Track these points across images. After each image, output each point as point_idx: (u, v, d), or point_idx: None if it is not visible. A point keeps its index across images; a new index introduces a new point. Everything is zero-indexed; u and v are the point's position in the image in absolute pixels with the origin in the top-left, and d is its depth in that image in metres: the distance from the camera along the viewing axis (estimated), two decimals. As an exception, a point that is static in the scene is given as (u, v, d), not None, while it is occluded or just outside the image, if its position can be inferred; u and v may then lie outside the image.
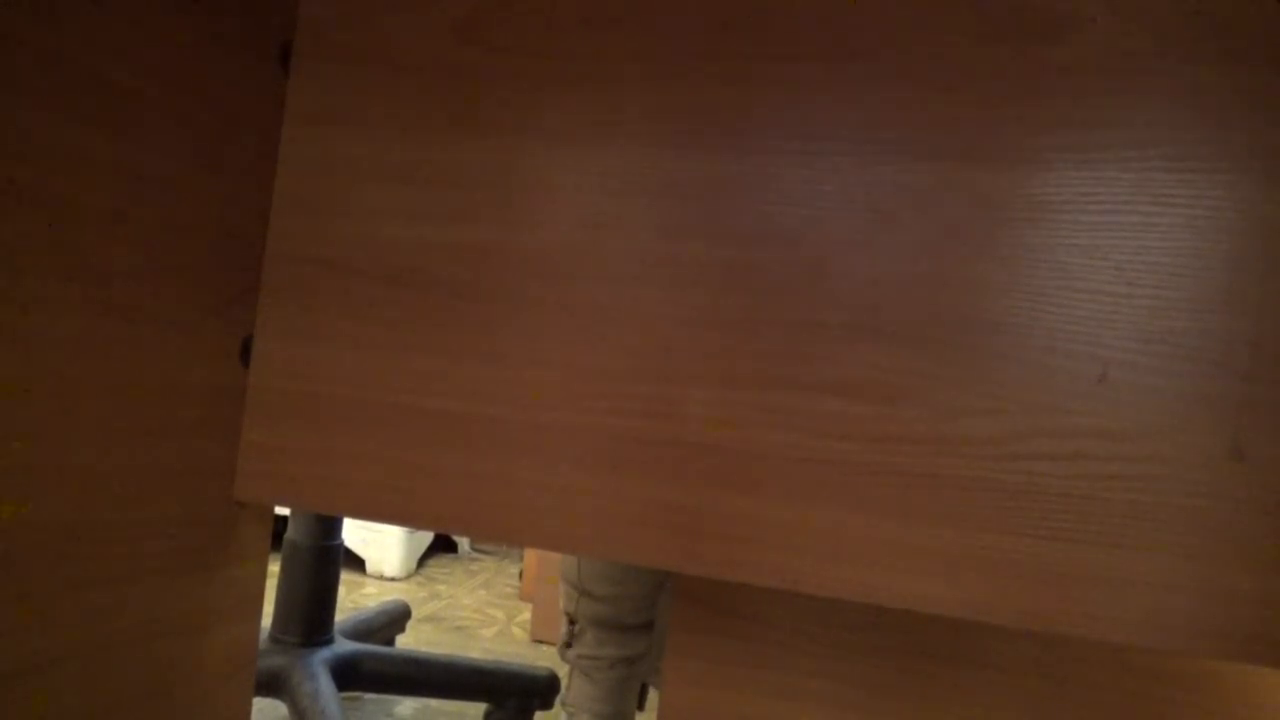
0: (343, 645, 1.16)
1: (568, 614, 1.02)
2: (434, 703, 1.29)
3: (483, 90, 0.51)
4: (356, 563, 2.08)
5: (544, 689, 1.18)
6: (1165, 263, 0.42)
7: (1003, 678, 0.55)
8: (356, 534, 2.06)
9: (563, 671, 1.09)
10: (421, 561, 2.26)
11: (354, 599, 1.86)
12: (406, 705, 1.28)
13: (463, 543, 2.50)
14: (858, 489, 0.45)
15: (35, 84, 0.40)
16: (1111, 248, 0.43)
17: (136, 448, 0.47)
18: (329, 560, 1.18)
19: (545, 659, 1.54)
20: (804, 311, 0.47)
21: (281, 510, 1.31)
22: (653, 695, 1.13)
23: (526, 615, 1.86)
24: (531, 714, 1.19)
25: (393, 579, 2.07)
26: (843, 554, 0.46)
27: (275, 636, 1.13)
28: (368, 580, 2.05)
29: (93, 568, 0.45)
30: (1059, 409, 0.43)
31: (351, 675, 1.13)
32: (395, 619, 1.45)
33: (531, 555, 1.96)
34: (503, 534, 0.50)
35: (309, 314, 0.53)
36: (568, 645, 1.02)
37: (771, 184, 0.47)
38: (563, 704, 1.04)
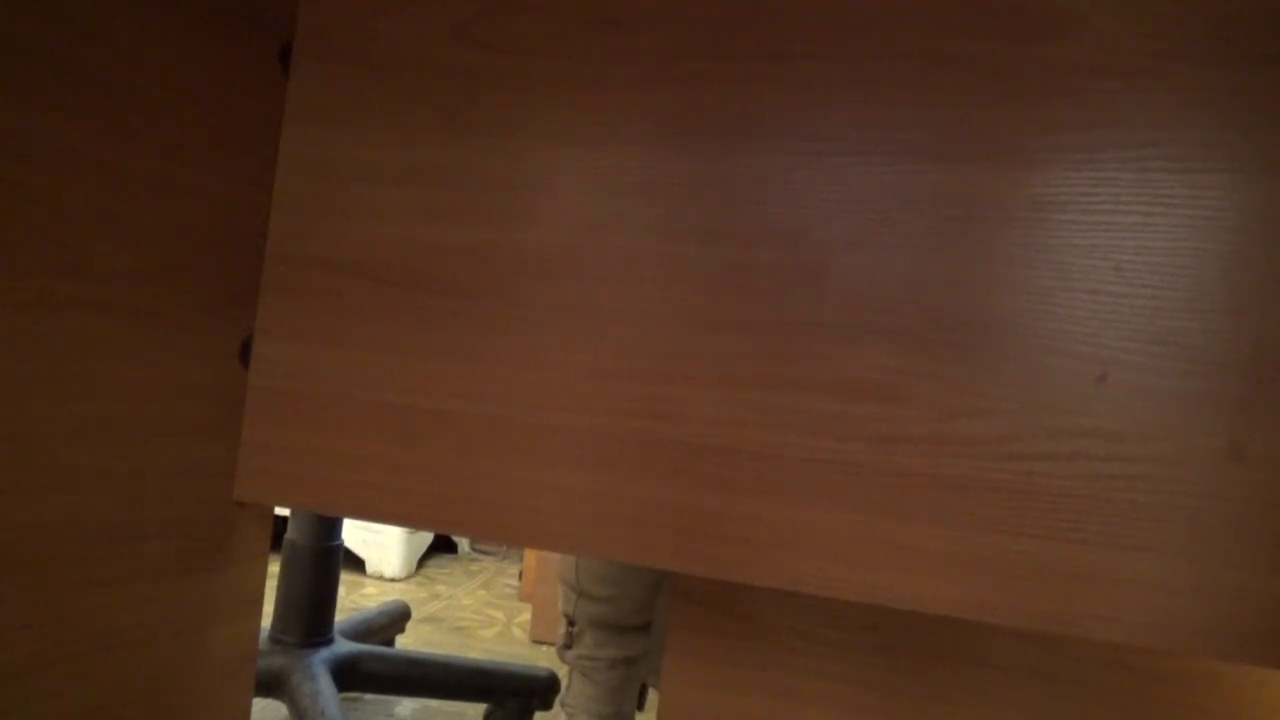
0: (343, 646, 1.16)
1: (566, 615, 1.02)
2: (434, 703, 1.28)
3: (483, 90, 0.51)
4: (356, 563, 2.08)
5: (544, 689, 1.18)
6: (1165, 263, 0.42)
7: (1003, 678, 0.55)
8: (356, 534, 2.06)
9: (562, 672, 1.08)
10: (421, 562, 2.26)
11: (354, 599, 1.86)
12: (406, 705, 1.28)
13: (463, 543, 2.50)
14: (858, 489, 0.45)
15: (35, 84, 0.40)
16: (1111, 248, 0.43)
17: (136, 448, 0.47)
18: (329, 561, 1.18)
19: (545, 659, 1.54)
20: (804, 311, 0.47)
21: (281, 510, 1.31)
22: (653, 695, 1.13)
23: (526, 616, 1.86)
24: (531, 714, 1.19)
25: (393, 579, 2.07)
26: (843, 554, 0.46)
27: (275, 637, 1.13)
28: (368, 581, 2.05)
29: (93, 568, 0.45)
30: (1059, 409, 0.43)
31: (351, 675, 1.13)
32: (395, 619, 1.45)
33: (531, 556, 1.96)
34: (502, 534, 0.50)
35: (309, 314, 0.53)
36: (566, 647, 1.02)
37: (771, 184, 0.47)
38: (562, 705, 1.03)
